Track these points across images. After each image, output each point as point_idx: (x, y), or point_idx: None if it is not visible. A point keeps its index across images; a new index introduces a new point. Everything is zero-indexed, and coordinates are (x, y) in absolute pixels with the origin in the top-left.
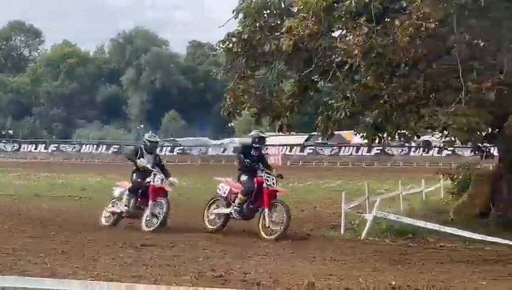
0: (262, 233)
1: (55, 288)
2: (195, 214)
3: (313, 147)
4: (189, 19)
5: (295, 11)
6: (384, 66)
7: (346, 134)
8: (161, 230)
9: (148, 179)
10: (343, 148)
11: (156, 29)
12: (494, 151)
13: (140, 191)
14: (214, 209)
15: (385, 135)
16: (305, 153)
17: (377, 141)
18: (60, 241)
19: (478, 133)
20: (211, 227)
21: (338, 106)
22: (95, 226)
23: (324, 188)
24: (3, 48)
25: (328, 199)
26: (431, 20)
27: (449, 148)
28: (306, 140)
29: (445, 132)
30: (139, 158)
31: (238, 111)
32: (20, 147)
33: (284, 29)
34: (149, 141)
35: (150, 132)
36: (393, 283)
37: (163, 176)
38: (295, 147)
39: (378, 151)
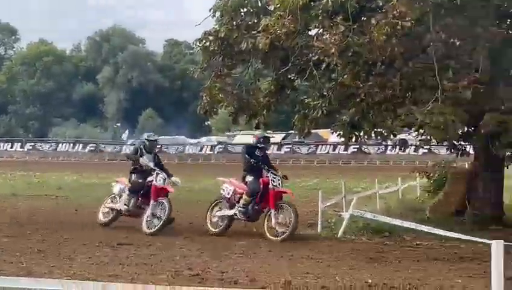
0: (268, 234)
1: (32, 287)
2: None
3: (290, 146)
4: (166, 17)
5: (272, 9)
6: (360, 64)
7: (323, 132)
8: (164, 230)
9: (150, 179)
10: (320, 146)
11: (133, 27)
12: (470, 149)
13: (141, 190)
14: (217, 211)
15: (362, 134)
16: (282, 152)
17: (353, 139)
18: (36, 240)
19: (454, 131)
20: (214, 230)
21: (315, 104)
22: (71, 225)
23: (301, 186)
24: None
25: (305, 197)
26: (407, 19)
27: (425, 147)
28: (283, 139)
29: (422, 131)
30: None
31: (214, 110)
32: None
33: (260, 28)
34: (148, 140)
35: (141, 131)
36: (370, 281)
37: (166, 176)
38: (272, 146)
39: (355, 149)
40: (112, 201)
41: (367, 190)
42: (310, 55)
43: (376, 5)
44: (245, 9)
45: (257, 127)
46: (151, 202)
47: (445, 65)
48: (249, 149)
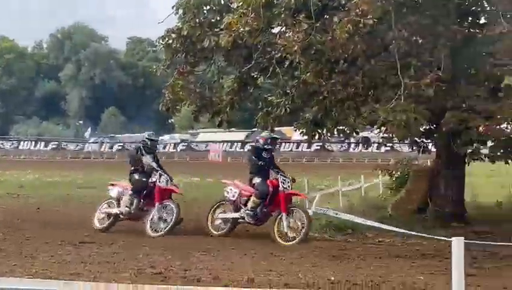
0: (279, 239)
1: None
2: None
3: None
4: (128, 14)
5: (235, 7)
6: (323, 62)
7: (286, 130)
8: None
9: (153, 179)
10: (283, 144)
11: (95, 25)
12: (432, 147)
13: (144, 191)
14: (220, 213)
15: (324, 131)
16: (245, 150)
17: (316, 137)
18: None
19: (416, 129)
20: (216, 232)
21: (278, 102)
22: (33, 224)
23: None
24: None
25: None
26: (369, 17)
27: (388, 145)
28: (247, 136)
29: (384, 128)
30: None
31: (177, 107)
32: None
33: (223, 26)
34: (150, 139)
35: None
36: (333, 278)
37: (168, 177)
38: (236, 144)
39: (318, 147)
40: (108, 206)
41: (330, 188)
42: (273, 53)
43: (338, 3)
44: (208, 7)
45: (220, 125)
46: (156, 204)
47: (407, 63)
48: (256, 151)
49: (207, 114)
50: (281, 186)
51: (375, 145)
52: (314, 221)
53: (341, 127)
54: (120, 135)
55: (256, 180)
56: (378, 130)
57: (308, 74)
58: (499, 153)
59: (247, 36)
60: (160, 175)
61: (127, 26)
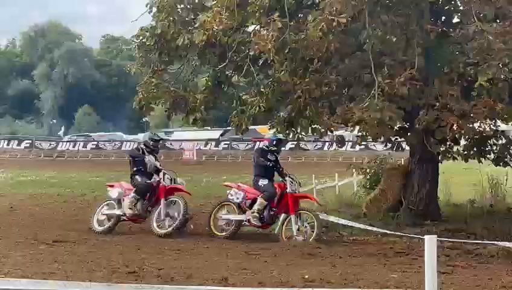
0: (287, 242)
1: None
2: None
3: (228, 142)
4: (102, 12)
5: (209, 5)
6: (297, 61)
7: (261, 129)
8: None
9: (156, 179)
10: (258, 143)
11: (69, 23)
12: (406, 145)
13: (148, 193)
14: (224, 215)
15: (299, 130)
16: (220, 148)
17: (290, 135)
18: None
19: (390, 128)
20: (219, 233)
21: (252, 101)
22: (6, 222)
23: (240, 182)
24: None
25: None
26: (343, 16)
27: (362, 143)
28: (221, 135)
29: (358, 127)
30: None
31: (151, 105)
32: None
33: (197, 24)
34: (153, 140)
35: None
36: (307, 276)
37: (171, 176)
38: (210, 142)
39: (293, 145)
40: (109, 207)
41: (304, 186)
42: (247, 51)
43: (312, 2)
44: (182, 6)
45: (194, 124)
46: (162, 201)
47: (381, 62)
48: (262, 152)
49: (180, 112)
50: (289, 188)
51: (350, 143)
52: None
53: (315, 126)
54: (94, 134)
55: (263, 182)
56: (351, 128)
57: (283, 73)
58: (472, 152)
59: (222, 35)
60: (164, 174)
61: (101, 24)
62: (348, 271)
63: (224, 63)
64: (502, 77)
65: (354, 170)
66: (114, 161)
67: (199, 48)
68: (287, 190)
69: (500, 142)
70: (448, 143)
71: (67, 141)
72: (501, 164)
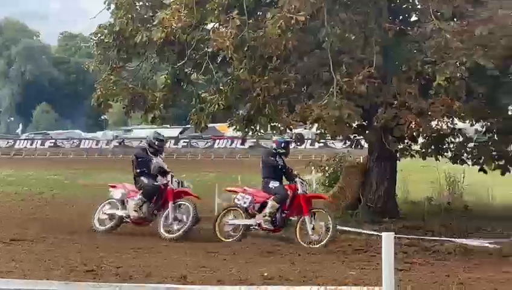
0: (303, 243)
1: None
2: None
3: (187, 140)
4: (60, 10)
5: (167, 3)
6: (256, 59)
7: (221, 127)
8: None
9: (163, 181)
10: (217, 140)
11: (27, 20)
12: (364, 143)
13: (155, 195)
14: (231, 220)
15: (258, 128)
16: (179, 146)
17: (250, 133)
18: None
19: (348, 125)
20: (226, 240)
21: (211, 98)
22: None
23: (198, 181)
24: None
25: (202, 192)
26: (301, 13)
27: (321, 141)
28: (180, 133)
29: (316, 125)
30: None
31: (109, 102)
32: None
33: (156, 21)
34: (158, 139)
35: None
36: (266, 274)
37: (179, 179)
38: (169, 140)
39: (253, 144)
40: (111, 206)
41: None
42: (206, 49)
43: (271, 0)
44: (140, 3)
45: (153, 122)
46: (170, 204)
47: (340, 60)
48: (271, 155)
49: (139, 109)
50: (300, 189)
51: (309, 141)
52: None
53: (274, 124)
54: (52, 132)
55: (274, 184)
56: (310, 125)
57: (242, 71)
58: (429, 150)
59: (180, 32)
60: (172, 176)
61: (59, 21)
62: (307, 268)
63: (183, 61)
64: (459, 75)
65: (312, 168)
66: (72, 159)
67: (158, 46)
68: (299, 191)
69: (457, 140)
70: (406, 141)
71: (24, 139)
72: (458, 161)
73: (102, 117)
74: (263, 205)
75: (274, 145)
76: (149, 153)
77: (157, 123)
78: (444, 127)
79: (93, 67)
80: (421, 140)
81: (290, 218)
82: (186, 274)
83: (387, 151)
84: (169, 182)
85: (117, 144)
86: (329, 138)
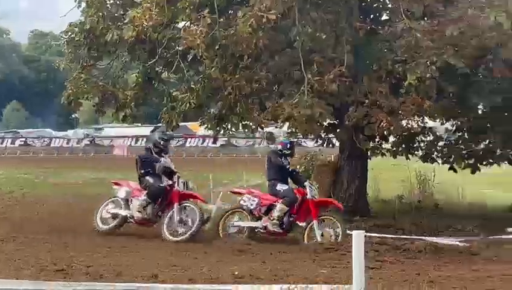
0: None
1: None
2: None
3: None
4: (31, 8)
5: (139, 1)
6: (228, 57)
7: (192, 125)
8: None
9: (169, 182)
10: (188, 139)
11: None
12: (336, 141)
13: (160, 196)
14: (236, 221)
15: (229, 126)
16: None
17: (221, 132)
18: None
19: (319, 124)
20: (227, 240)
21: (182, 97)
22: None
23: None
24: None
25: None
26: (272, 12)
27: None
28: (151, 131)
29: (288, 124)
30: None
31: (79, 100)
32: None
33: (127, 20)
34: (163, 139)
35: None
36: (236, 272)
37: (184, 180)
38: (141, 139)
39: (224, 142)
40: (114, 205)
41: (235, 182)
42: (177, 47)
43: None
44: (111, 1)
45: (124, 120)
46: (176, 205)
47: (311, 59)
48: (277, 156)
49: (109, 107)
50: (309, 193)
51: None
52: (218, 216)
53: (246, 122)
54: (22, 130)
55: (282, 187)
56: (281, 124)
57: (213, 69)
58: (400, 148)
59: (152, 31)
60: (179, 177)
61: (30, 19)
62: (278, 267)
63: (154, 59)
64: (429, 75)
65: None
66: (43, 157)
67: (129, 44)
68: (308, 196)
69: (427, 139)
70: (377, 140)
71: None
72: (428, 160)
73: (73, 116)
74: (270, 208)
75: (279, 147)
76: (154, 153)
77: (128, 122)
78: (415, 125)
79: (64, 65)
80: (391, 139)
81: (297, 222)
82: (157, 273)
83: (358, 149)
84: (176, 183)
85: (88, 143)
86: (301, 136)
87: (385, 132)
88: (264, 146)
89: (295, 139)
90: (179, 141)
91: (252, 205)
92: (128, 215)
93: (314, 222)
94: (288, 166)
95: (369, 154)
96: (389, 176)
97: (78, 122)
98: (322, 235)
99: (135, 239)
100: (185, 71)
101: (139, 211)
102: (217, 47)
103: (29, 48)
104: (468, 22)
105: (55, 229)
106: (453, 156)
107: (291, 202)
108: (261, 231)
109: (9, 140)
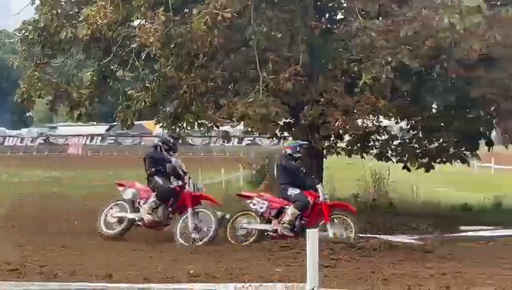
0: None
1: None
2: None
3: (114, 137)
4: None
5: None
6: (183, 56)
7: (148, 124)
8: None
9: (180, 183)
10: (144, 138)
11: None
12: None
13: (171, 197)
14: (245, 223)
15: (185, 125)
16: (106, 143)
17: (177, 130)
18: None
19: (274, 123)
20: (236, 242)
21: (138, 96)
22: None
23: (125, 177)
24: None
25: None
26: (228, 10)
27: (249, 138)
28: (107, 130)
29: (243, 122)
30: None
31: (32, 99)
32: None
33: (81, 18)
34: (172, 137)
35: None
36: (192, 271)
37: (194, 181)
38: (96, 137)
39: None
40: (120, 209)
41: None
42: (132, 45)
43: None
44: None
45: (79, 119)
46: (189, 210)
47: (266, 58)
48: (289, 160)
49: (63, 105)
50: (321, 197)
51: (237, 139)
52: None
53: (202, 121)
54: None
55: (294, 191)
56: (237, 123)
57: (169, 68)
58: (355, 147)
59: (106, 29)
60: (190, 178)
61: None
62: (233, 266)
63: (109, 58)
64: (384, 76)
65: (240, 165)
66: None
67: (83, 42)
68: (320, 199)
69: (382, 137)
70: (332, 139)
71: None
72: (383, 159)
73: (27, 114)
74: (280, 211)
75: (288, 151)
76: (163, 151)
77: (83, 120)
78: (370, 124)
79: (18, 63)
80: (347, 137)
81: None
82: (111, 273)
83: (313, 149)
84: (187, 185)
85: (42, 141)
86: (257, 135)
87: (340, 131)
88: (220, 145)
89: (303, 142)
90: (134, 140)
91: (262, 207)
92: (136, 218)
93: (328, 224)
94: (301, 170)
95: (324, 153)
96: (345, 175)
97: (32, 121)
98: (334, 235)
99: (90, 238)
100: (140, 70)
101: (149, 214)
102: (172, 45)
103: None
104: (422, 22)
105: (8, 228)
106: (407, 155)
107: (303, 206)
108: (271, 234)
109: None
